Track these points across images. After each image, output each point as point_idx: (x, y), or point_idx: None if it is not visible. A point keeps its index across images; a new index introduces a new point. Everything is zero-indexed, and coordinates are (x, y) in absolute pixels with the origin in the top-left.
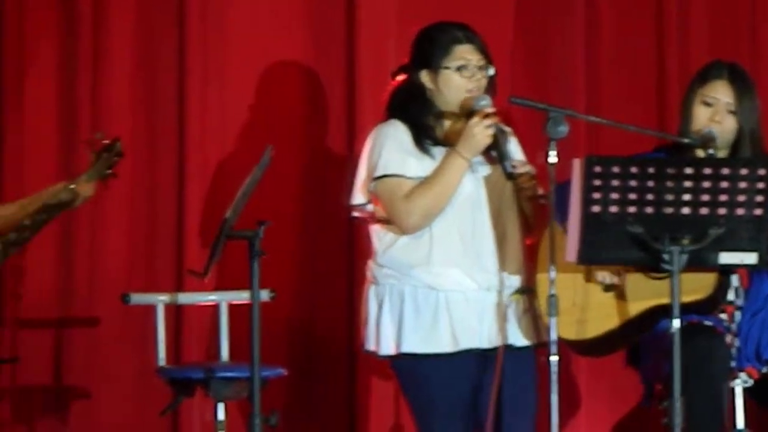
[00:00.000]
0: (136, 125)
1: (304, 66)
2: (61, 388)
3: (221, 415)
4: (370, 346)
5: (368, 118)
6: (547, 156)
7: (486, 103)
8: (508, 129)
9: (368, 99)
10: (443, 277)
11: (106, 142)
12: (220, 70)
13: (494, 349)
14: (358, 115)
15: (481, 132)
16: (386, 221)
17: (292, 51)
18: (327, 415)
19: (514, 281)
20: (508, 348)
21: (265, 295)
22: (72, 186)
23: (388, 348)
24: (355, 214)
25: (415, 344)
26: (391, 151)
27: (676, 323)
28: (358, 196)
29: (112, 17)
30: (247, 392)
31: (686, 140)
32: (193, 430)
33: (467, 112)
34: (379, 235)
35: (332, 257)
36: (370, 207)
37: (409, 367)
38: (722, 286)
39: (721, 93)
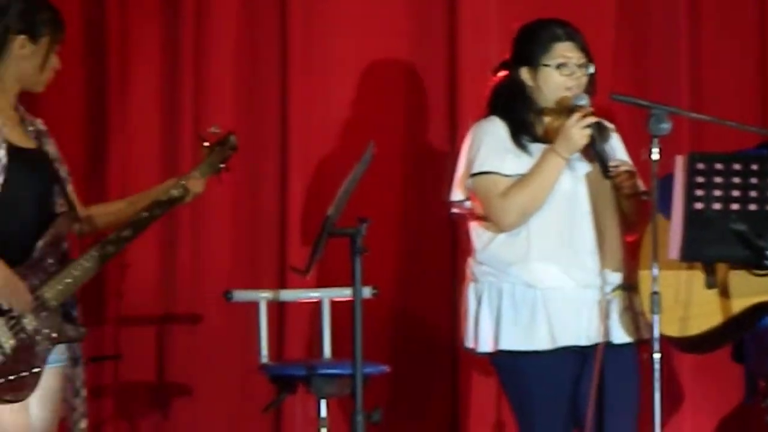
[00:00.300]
0: (239, 121)
1: (406, 62)
2: (163, 385)
3: (324, 412)
4: (469, 343)
5: (470, 114)
6: (649, 153)
7: (584, 103)
8: (611, 125)
9: (470, 95)
10: (541, 275)
11: (220, 135)
12: (322, 66)
13: (593, 347)
14: (460, 111)
15: (578, 132)
16: (484, 218)
17: (394, 47)
18: (429, 411)
19: (614, 278)
20: (609, 345)
21: (367, 292)
22: (183, 182)
23: (486, 345)
24: (455, 210)
25: (513, 341)
26: (488, 148)
27: None
28: (457, 193)
29: (214, 14)
30: (350, 389)
31: None
32: (295, 427)
33: (566, 110)
34: (477, 232)
35: (434, 254)
36: (468, 204)
37: (507, 364)
38: None
39: None
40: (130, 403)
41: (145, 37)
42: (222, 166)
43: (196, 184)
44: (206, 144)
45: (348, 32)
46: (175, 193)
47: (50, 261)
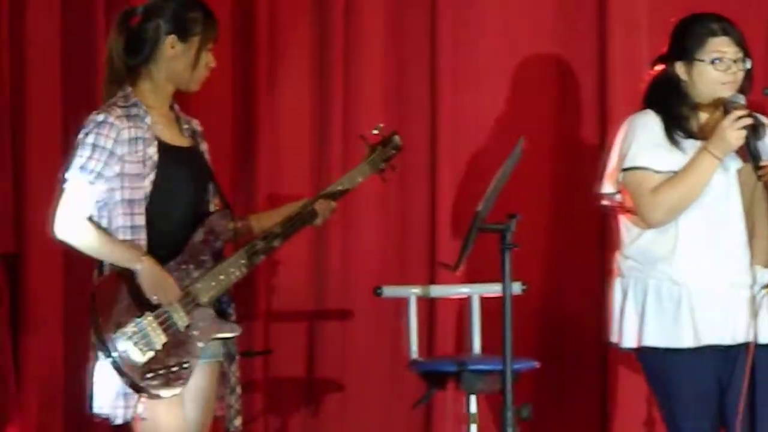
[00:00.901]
0: (388, 118)
1: (555, 57)
2: (313, 381)
3: (473, 408)
4: (614, 338)
5: (620, 108)
6: None
7: (740, 104)
8: (766, 121)
9: (620, 90)
10: (687, 272)
11: (383, 135)
12: (472, 63)
13: (740, 346)
14: (610, 106)
15: (733, 133)
16: (634, 212)
17: (544, 42)
18: (579, 407)
19: (764, 277)
20: (758, 345)
21: (516, 287)
22: (312, 201)
23: (630, 341)
24: (604, 202)
25: (657, 338)
26: (641, 142)
27: None
28: (607, 185)
29: (364, 12)
30: (499, 385)
31: None
32: (445, 423)
33: (722, 108)
34: (627, 226)
35: (584, 249)
36: (618, 197)
37: (652, 361)
38: None
39: None
40: (280, 398)
41: (295, 37)
42: (383, 165)
43: (323, 206)
44: (369, 144)
45: (497, 28)
46: (305, 211)
47: (204, 258)
